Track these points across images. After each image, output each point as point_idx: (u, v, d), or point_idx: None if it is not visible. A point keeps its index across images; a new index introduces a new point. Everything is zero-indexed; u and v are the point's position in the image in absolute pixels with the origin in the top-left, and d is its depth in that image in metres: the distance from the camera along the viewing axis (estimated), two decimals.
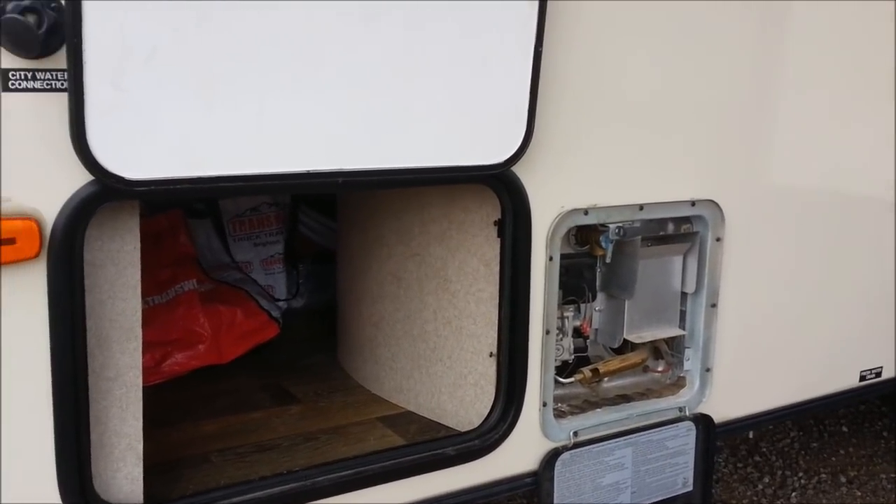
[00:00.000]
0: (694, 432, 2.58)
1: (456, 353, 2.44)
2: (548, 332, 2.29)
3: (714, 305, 2.58)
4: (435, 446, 2.19)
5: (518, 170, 2.11)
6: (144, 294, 2.84)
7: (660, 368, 2.65)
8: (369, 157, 1.87)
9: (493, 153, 2.03)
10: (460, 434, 2.25)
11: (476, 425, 2.30)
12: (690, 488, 2.60)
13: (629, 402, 2.55)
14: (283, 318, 3.27)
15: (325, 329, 3.15)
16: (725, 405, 2.66)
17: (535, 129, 2.06)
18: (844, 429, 4.37)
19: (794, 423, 4.41)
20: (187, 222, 3.06)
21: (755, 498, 4.20)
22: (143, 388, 2.70)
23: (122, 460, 1.83)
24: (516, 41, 1.97)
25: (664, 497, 2.56)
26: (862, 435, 4.26)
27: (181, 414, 2.52)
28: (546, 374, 2.31)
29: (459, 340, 2.42)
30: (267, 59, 1.68)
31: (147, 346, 2.75)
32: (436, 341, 2.49)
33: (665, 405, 2.56)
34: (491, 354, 2.31)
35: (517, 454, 2.29)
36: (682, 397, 2.60)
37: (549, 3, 1.97)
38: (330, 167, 1.82)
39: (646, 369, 2.66)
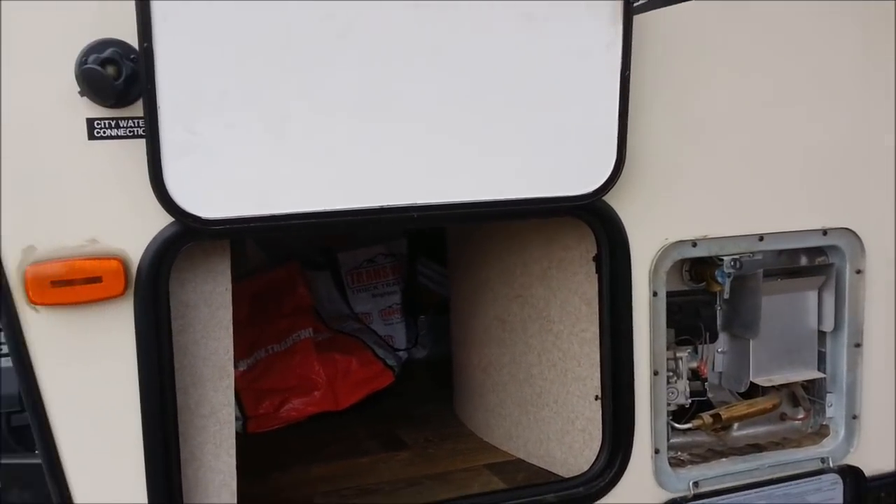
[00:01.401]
0: (840, 487, 2.28)
1: (562, 398, 2.31)
2: (656, 374, 2.12)
3: (858, 345, 2.30)
4: (534, 492, 2.06)
5: (613, 200, 2.00)
6: (264, 342, 2.97)
7: (799, 416, 2.38)
8: (446, 191, 1.83)
9: (582, 183, 1.94)
10: (563, 480, 2.12)
11: None
12: None
13: (761, 451, 2.30)
14: (405, 368, 3.27)
15: (445, 379, 3.10)
16: (878, 456, 2.34)
17: (627, 157, 1.95)
18: None
19: None
20: (305, 274, 3.15)
21: None
22: (263, 433, 2.80)
23: (217, 496, 1.86)
24: (601, 65, 1.88)
25: None
26: None
27: (293, 458, 2.55)
28: (657, 418, 2.13)
29: (565, 384, 2.30)
30: (337, 96, 1.70)
31: (266, 393, 2.85)
32: (542, 385, 2.38)
33: (804, 455, 2.29)
34: (596, 398, 2.17)
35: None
36: (825, 447, 2.32)
37: (635, 24, 1.88)
38: (404, 202, 1.80)
39: (783, 417, 2.40)
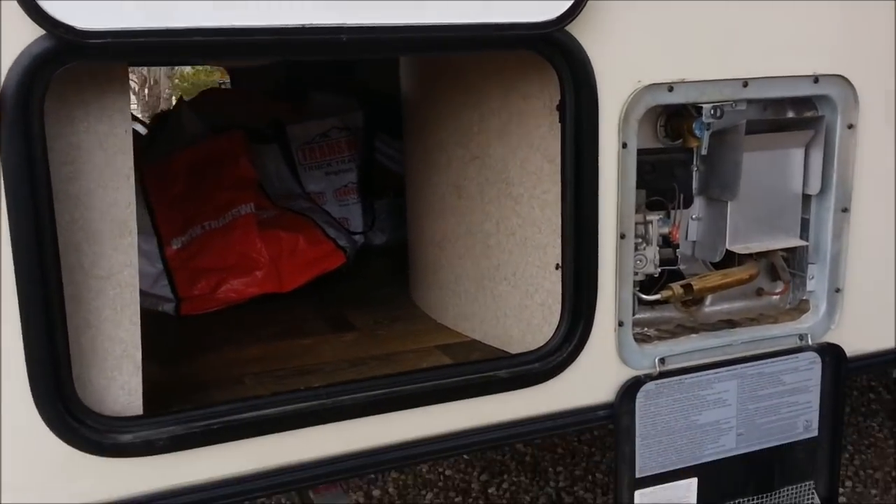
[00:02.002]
0: (818, 366, 2.10)
1: (521, 269, 2.09)
2: (623, 237, 1.90)
3: (846, 210, 2.09)
4: (484, 368, 1.86)
5: (578, 32, 1.73)
6: (200, 219, 2.72)
7: (777, 290, 2.18)
8: (383, 12, 1.55)
9: (542, 8, 1.67)
10: (516, 355, 1.91)
11: None
12: (815, 433, 2.13)
13: (735, 327, 2.11)
14: (361, 254, 3.04)
15: (403, 265, 2.88)
16: (859, 335, 2.16)
17: None
18: None
19: None
20: (249, 145, 2.87)
21: None
22: (198, 315, 2.58)
23: (118, 369, 1.63)
24: None
25: (781, 443, 2.10)
26: None
27: (227, 340, 2.33)
28: (622, 287, 1.92)
29: (524, 254, 2.08)
30: None
31: (202, 273, 2.61)
32: (499, 257, 2.16)
33: (781, 332, 2.10)
34: (557, 266, 1.95)
35: (587, 382, 1.92)
36: (804, 323, 2.13)
37: None
38: (331, 22, 1.52)
39: (760, 292, 2.21)
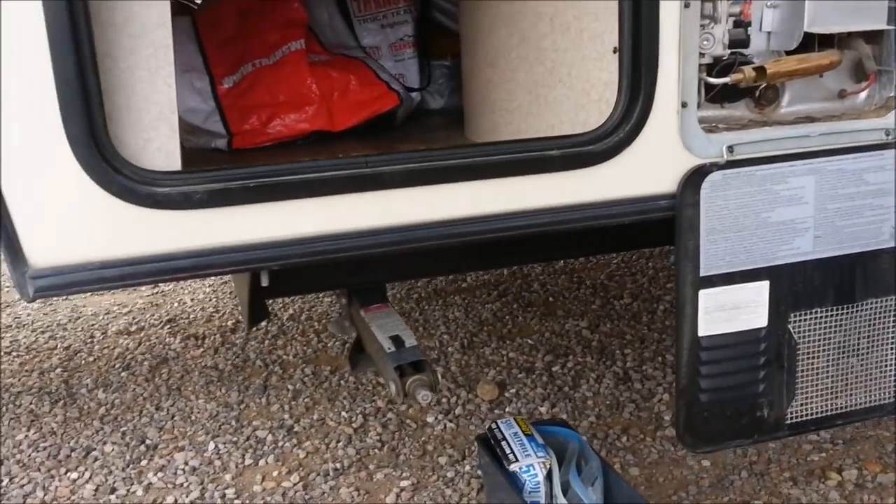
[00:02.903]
0: None
1: (577, 66, 1.96)
2: (687, 6, 1.75)
3: None
4: (533, 146, 1.74)
5: None
6: (251, 57, 2.68)
7: (862, 86, 1.99)
8: None
9: None
10: (570, 136, 1.79)
11: None
12: None
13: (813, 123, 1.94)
14: (417, 113, 2.95)
15: (461, 122, 2.77)
16: None
17: None
18: None
19: None
20: None
21: None
22: (251, 148, 2.56)
23: (154, 130, 1.59)
24: None
25: (864, 249, 1.93)
26: None
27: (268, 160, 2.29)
28: (686, 64, 1.77)
29: (580, 48, 1.94)
30: None
31: (253, 108, 2.58)
32: (554, 58, 2.03)
33: (864, 126, 1.91)
34: (614, 50, 1.81)
35: (647, 167, 1.78)
36: (891, 119, 1.93)
37: None
38: None
39: (842, 94, 2.02)
